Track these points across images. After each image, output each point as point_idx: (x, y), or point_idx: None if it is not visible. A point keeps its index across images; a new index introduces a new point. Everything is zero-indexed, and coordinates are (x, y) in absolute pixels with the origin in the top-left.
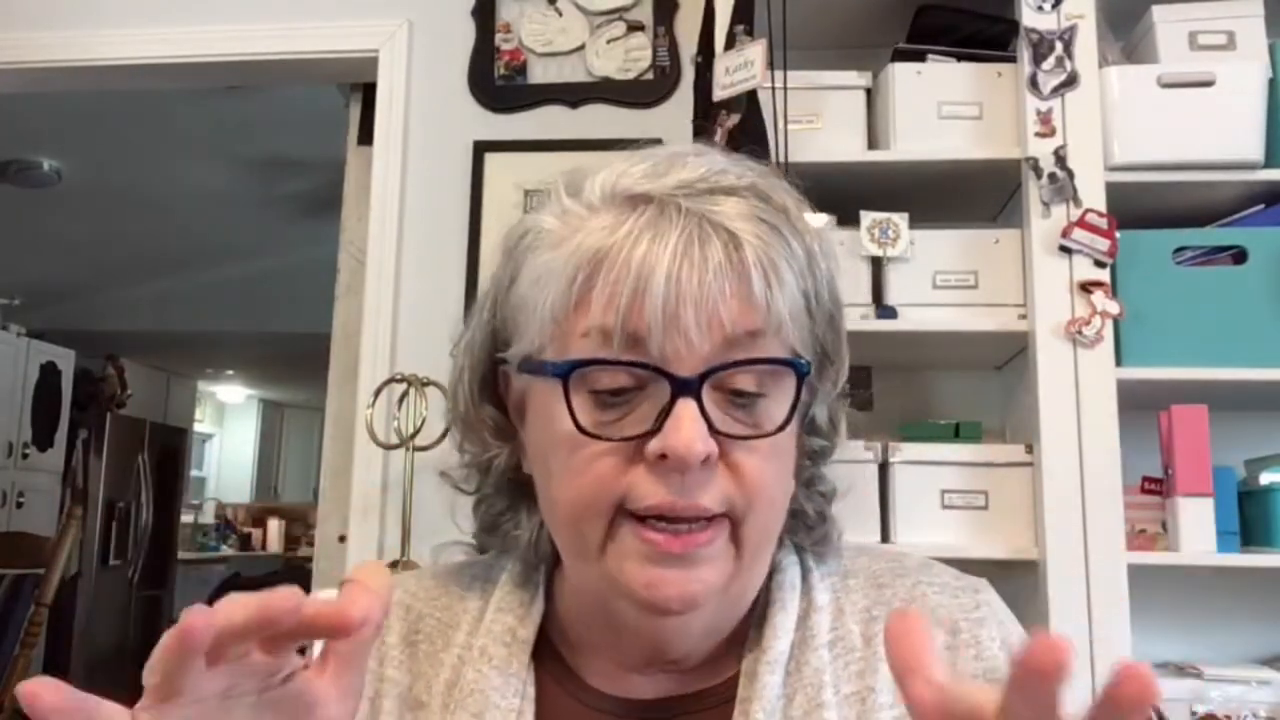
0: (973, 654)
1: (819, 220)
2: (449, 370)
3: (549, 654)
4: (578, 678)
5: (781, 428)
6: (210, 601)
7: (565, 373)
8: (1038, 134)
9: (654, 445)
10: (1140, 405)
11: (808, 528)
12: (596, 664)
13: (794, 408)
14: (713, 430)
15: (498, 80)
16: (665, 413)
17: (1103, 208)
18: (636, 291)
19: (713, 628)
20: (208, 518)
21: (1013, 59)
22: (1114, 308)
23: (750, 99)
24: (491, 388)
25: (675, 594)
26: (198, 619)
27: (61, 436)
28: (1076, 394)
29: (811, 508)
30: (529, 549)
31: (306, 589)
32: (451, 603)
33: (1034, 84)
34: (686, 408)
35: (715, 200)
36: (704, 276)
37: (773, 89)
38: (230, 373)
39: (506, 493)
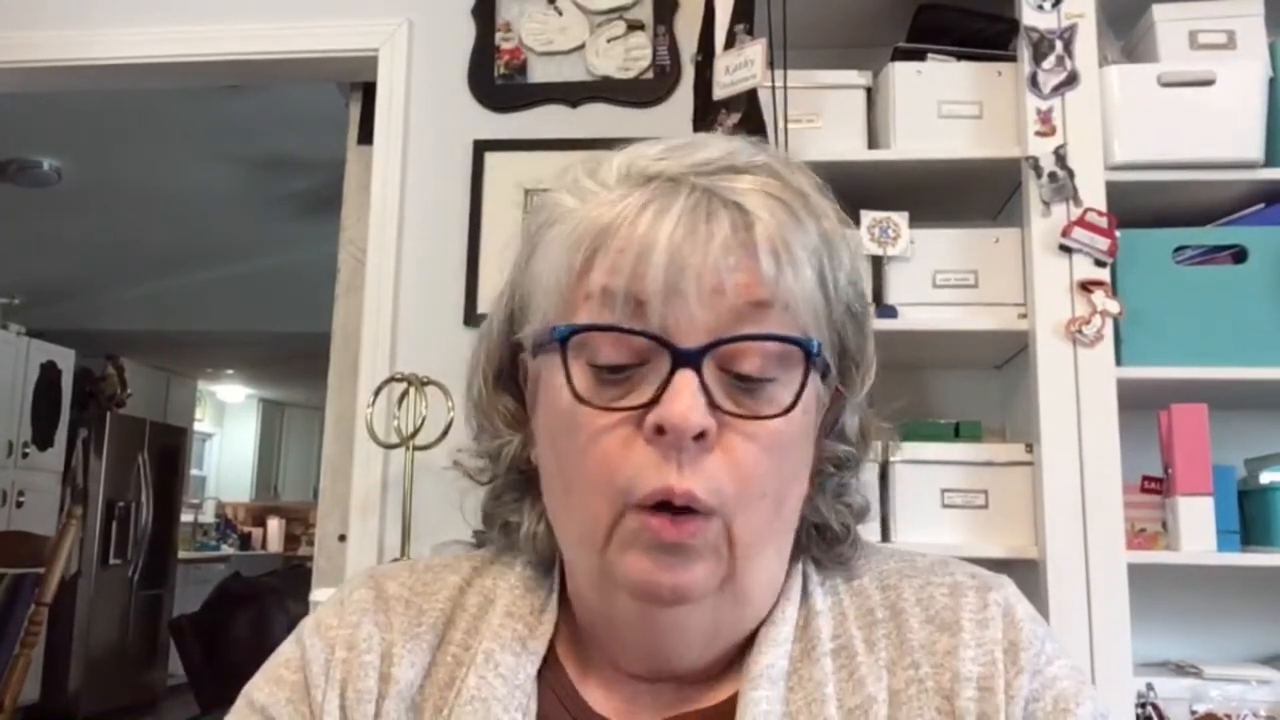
0: (971, 655)
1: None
2: (451, 368)
3: (553, 667)
4: (580, 699)
5: (787, 411)
6: (210, 600)
7: (565, 337)
8: (1038, 133)
9: (651, 417)
10: (1140, 404)
11: (829, 543)
12: (601, 678)
13: (801, 391)
14: (713, 406)
15: (498, 79)
16: (665, 384)
17: (1103, 207)
18: (640, 258)
19: (713, 633)
20: (208, 517)
21: (1013, 58)
22: (1114, 307)
23: (750, 98)
24: (510, 375)
25: (668, 581)
26: None
27: (61, 436)
28: (1076, 393)
29: (836, 521)
30: (528, 542)
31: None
32: (452, 596)
33: (1034, 83)
34: (686, 379)
35: (727, 177)
36: (709, 247)
37: (773, 88)
38: (230, 372)
39: (514, 484)
